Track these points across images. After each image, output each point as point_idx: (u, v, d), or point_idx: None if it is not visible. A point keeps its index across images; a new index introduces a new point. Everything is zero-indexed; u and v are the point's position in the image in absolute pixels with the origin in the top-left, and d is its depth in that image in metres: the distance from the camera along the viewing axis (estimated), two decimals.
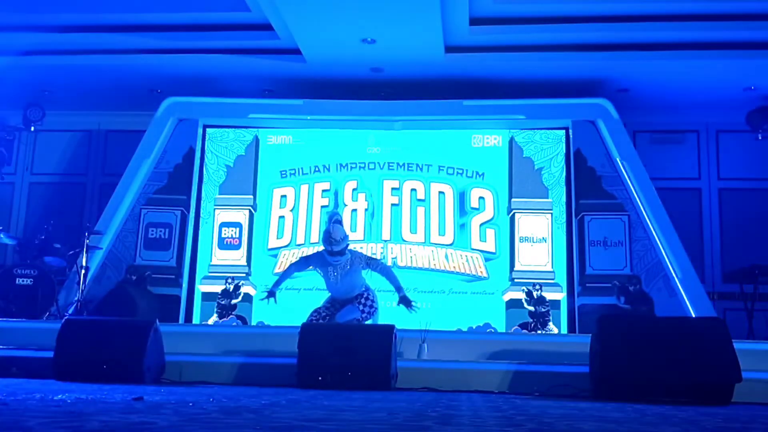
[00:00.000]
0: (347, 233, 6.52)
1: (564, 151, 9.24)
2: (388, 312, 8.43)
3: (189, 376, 5.68)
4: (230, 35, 8.61)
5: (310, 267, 6.73)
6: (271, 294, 6.55)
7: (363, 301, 6.50)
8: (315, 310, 6.55)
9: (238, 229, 9.37)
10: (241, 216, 9.41)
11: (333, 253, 6.26)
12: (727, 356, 4.74)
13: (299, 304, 6.80)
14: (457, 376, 5.73)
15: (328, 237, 6.26)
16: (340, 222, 6.46)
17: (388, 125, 9.41)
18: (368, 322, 6.51)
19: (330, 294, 6.65)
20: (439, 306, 8.89)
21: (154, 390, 4.33)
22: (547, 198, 9.17)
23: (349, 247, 6.46)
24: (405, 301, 6.39)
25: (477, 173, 9.32)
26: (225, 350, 6.33)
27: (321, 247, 6.55)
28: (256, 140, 9.62)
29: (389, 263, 8.90)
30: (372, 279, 6.86)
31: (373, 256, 7.20)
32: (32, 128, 10.10)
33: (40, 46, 8.74)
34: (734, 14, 7.90)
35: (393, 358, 5.40)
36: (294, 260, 7.15)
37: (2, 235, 8.68)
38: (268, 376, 5.68)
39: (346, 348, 5.32)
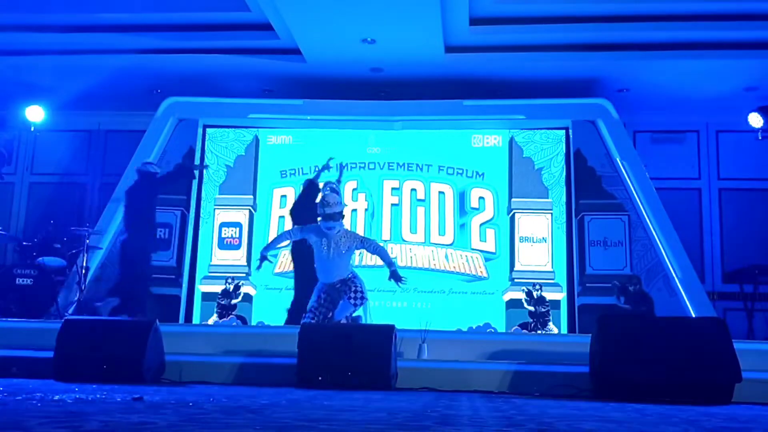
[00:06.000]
0: (344, 202, 6.51)
1: (564, 151, 9.24)
2: (388, 312, 8.46)
3: (189, 376, 5.67)
4: (230, 35, 8.61)
5: (304, 237, 6.54)
6: (263, 258, 6.48)
7: (352, 294, 6.35)
8: (309, 310, 6.41)
9: (238, 229, 9.37)
10: (241, 216, 9.41)
11: (326, 217, 6.21)
12: (727, 356, 4.74)
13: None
14: (457, 376, 5.73)
15: (323, 200, 6.29)
16: (336, 191, 6.47)
17: (388, 125, 9.41)
18: (359, 311, 6.43)
19: (319, 280, 6.46)
20: (439, 306, 8.89)
21: (154, 390, 4.33)
22: (547, 198, 9.17)
23: (343, 216, 6.42)
24: (395, 276, 6.38)
25: (477, 173, 9.32)
26: (225, 350, 6.33)
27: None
28: (256, 140, 9.62)
29: None
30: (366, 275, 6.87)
31: (367, 237, 7.21)
32: (32, 128, 10.08)
33: (40, 45, 8.74)
34: (734, 14, 7.90)
35: (393, 358, 5.39)
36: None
37: None
38: (268, 376, 5.67)
39: (346, 348, 5.31)
